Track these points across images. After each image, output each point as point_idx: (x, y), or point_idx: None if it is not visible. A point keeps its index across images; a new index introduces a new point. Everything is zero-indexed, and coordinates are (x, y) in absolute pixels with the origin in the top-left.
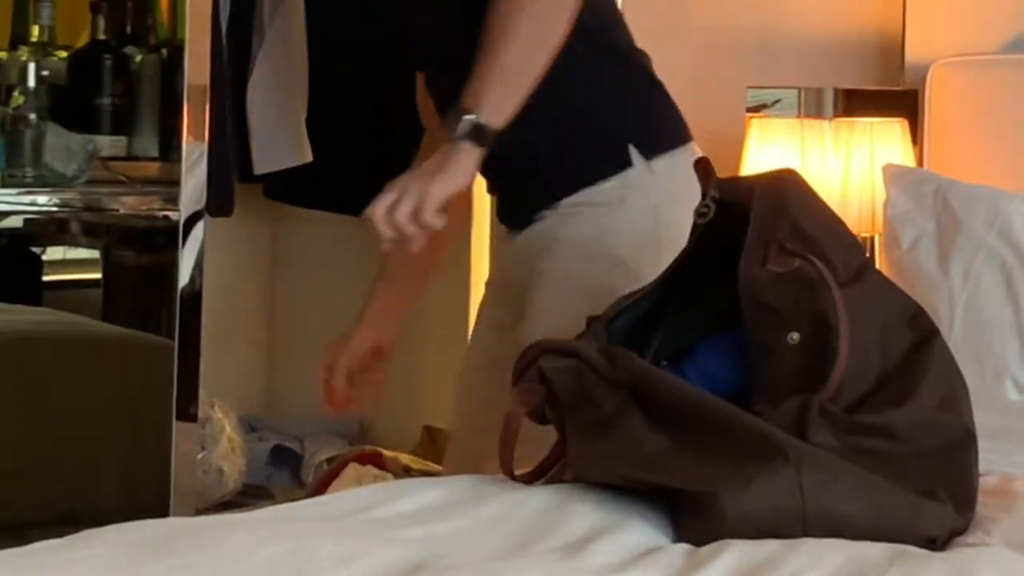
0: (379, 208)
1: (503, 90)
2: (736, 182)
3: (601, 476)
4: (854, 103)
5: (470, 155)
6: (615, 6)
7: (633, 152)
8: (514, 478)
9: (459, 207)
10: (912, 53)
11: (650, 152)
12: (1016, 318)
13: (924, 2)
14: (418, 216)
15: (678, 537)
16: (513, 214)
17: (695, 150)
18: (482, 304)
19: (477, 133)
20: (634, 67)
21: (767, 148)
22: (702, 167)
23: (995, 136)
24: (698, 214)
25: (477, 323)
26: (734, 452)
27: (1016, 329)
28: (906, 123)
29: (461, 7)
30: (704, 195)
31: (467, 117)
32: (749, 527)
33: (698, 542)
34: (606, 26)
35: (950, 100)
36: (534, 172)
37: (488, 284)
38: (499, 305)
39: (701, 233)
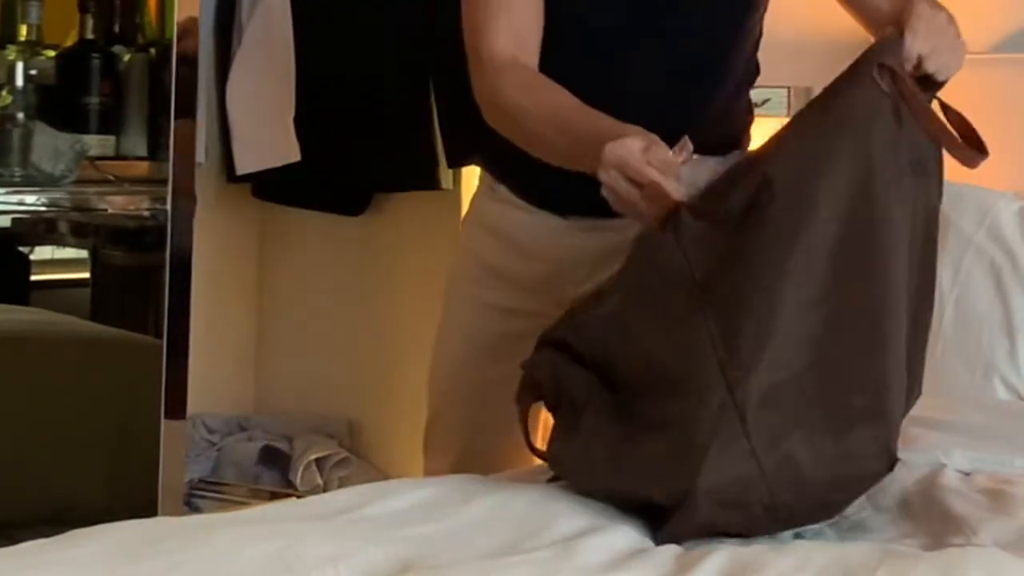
0: None
1: None
2: None
3: (575, 485)
4: None
5: None
6: None
7: None
8: (539, 455)
9: None
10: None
11: None
12: (1005, 317)
13: None
14: None
15: (656, 534)
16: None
17: None
18: (470, 285)
19: None
20: None
21: (757, 147)
22: None
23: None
24: None
25: (462, 305)
26: (682, 431)
27: (1005, 328)
28: None
29: None
30: None
31: None
32: (716, 501)
33: (676, 536)
34: None
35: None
36: None
37: (487, 268)
38: (503, 290)
39: None
